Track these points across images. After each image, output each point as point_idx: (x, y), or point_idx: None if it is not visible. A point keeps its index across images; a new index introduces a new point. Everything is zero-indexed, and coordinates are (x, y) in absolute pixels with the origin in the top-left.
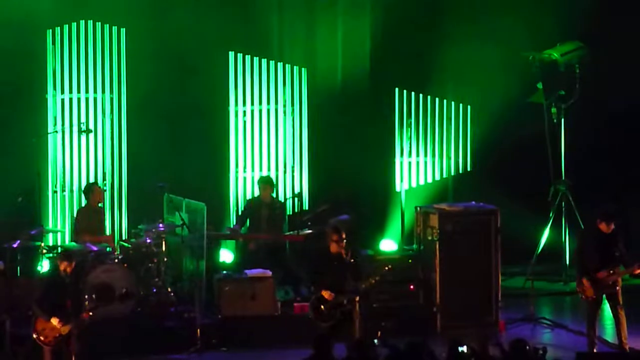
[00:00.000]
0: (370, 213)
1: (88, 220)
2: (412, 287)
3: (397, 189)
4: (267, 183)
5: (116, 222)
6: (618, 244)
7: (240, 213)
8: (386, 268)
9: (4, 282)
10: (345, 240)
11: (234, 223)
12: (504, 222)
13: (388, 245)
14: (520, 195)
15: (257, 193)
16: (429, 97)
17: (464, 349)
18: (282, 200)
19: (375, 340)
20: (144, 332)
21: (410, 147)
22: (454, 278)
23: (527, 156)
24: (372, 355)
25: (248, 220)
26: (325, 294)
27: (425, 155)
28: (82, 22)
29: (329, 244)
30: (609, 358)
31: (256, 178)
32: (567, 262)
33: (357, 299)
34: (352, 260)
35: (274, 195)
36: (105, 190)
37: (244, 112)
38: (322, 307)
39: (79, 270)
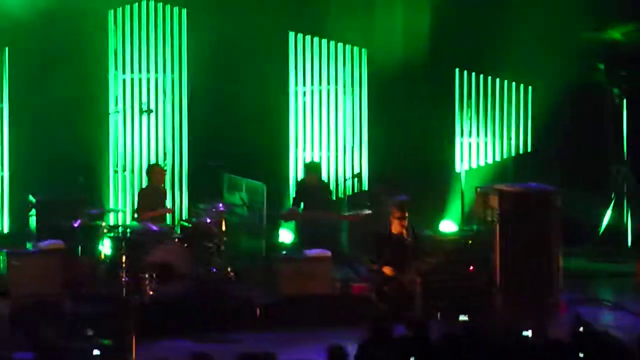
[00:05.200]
0: (429, 194)
1: (149, 200)
2: (471, 268)
3: (457, 169)
4: (310, 169)
5: (177, 201)
6: None
7: (294, 196)
8: (450, 249)
9: (64, 262)
10: (407, 219)
11: (291, 203)
12: (565, 203)
13: (448, 226)
14: (581, 176)
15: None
16: (489, 77)
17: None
18: (330, 182)
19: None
20: (203, 311)
21: (471, 128)
22: (514, 259)
23: (589, 137)
24: (430, 335)
25: (302, 202)
26: (387, 269)
27: (486, 135)
28: (144, 3)
29: (390, 222)
30: None
31: (316, 159)
32: (629, 244)
33: (418, 279)
34: (412, 241)
35: (324, 177)
36: (166, 170)
37: (304, 92)
38: (385, 288)
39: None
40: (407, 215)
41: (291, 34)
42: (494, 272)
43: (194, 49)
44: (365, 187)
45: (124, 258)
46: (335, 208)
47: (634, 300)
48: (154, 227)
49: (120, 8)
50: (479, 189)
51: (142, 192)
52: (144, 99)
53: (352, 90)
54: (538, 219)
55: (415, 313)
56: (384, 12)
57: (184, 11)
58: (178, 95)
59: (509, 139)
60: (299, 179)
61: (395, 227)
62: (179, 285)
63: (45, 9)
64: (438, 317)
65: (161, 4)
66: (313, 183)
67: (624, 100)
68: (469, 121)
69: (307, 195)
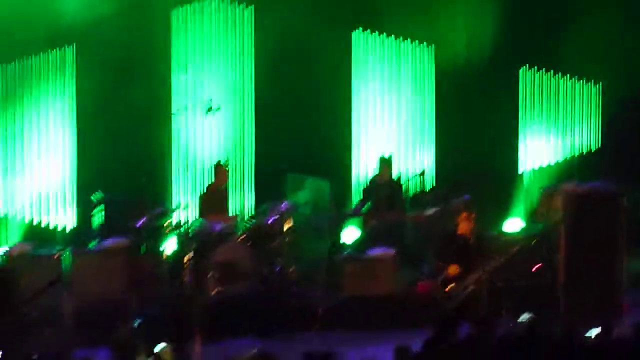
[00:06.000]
0: (493, 193)
1: (212, 199)
2: (536, 267)
3: (522, 169)
4: (385, 163)
5: (240, 201)
6: None
7: (362, 192)
8: (514, 249)
9: (128, 261)
10: (474, 219)
11: (357, 202)
12: (631, 203)
13: (512, 225)
14: None
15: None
16: (556, 75)
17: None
18: (401, 179)
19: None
20: (265, 311)
21: (537, 126)
22: (578, 259)
23: None
24: (494, 333)
25: (370, 200)
26: (452, 269)
27: (552, 134)
28: (208, 1)
29: (456, 222)
30: None
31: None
32: None
33: (483, 278)
34: (477, 241)
35: (394, 174)
36: (228, 170)
37: (369, 90)
38: (450, 287)
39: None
40: (474, 215)
41: (357, 31)
42: (558, 272)
43: (259, 46)
44: (430, 185)
45: (187, 257)
46: (403, 206)
47: None
48: (218, 227)
49: (184, 7)
50: (544, 189)
51: (205, 192)
52: (210, 98)
53: (417, 87)
54: (603, 219)
55: (480, 312)
56: (447, 8)
57: (251, 8)
58: (243, 94)
59: (575, 137)
60: (369, 175)
61: (462, 227)
62: (243, 285)
63: (110, 9)
64: (503, 316)
65: (227, 2)
66: (386, 178)
67: None
68: (535, 119)
69: (378, 190)
